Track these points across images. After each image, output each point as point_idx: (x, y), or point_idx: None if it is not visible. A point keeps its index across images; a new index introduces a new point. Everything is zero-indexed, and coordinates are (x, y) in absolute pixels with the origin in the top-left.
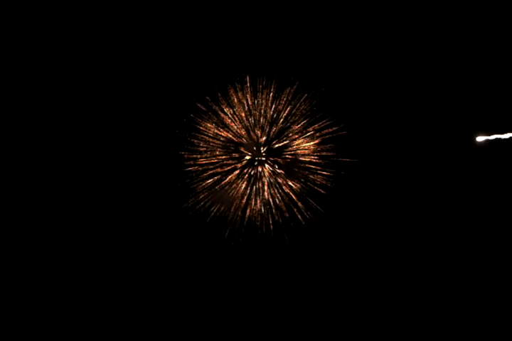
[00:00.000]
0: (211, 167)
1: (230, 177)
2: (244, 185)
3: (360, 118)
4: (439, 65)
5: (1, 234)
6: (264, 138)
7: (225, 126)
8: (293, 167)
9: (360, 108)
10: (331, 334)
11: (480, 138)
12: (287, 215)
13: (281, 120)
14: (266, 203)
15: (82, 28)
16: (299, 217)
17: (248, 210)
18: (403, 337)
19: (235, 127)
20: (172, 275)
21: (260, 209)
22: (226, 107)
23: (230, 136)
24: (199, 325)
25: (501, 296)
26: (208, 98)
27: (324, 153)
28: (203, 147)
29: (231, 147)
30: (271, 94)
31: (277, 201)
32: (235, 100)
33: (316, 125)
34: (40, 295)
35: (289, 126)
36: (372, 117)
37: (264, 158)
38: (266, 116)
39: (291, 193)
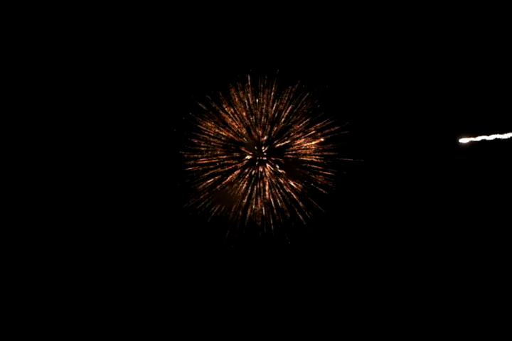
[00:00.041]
0: (212, 167)
1: (230, 177)
2: (245, 185)
3: (361, 118)
4: (434, 66)
5: (2, 234)
6: (265, 138)
7: (226, 126)
8: (294, 167)
9: (361, 107)
10: (333, 334)
11: (464, 140)
12: (288, 215)
13: (283, 119)
14: (267, 203)
15: (82, 28)
16: (300, 217)
17: (249, 210)
18: (403, 337)
19: (236, 126)
20: (172, 275)
21: (261, 210)
22: (227, 106)
23: (231, 135)
24: (200, 325)
25: (495, 295)
26: (208, 97)
27: (326, 153)
28: (203, 147)
29: (232, 147)
30: (272, 93)
31: (278, 201)
32: (236, 99)
33: (318, 124)
34: (41, 295)
35: (291, 125)
36: (374, 117)
37: (265, 158)
38: (267, 115)
39: (292, 193)
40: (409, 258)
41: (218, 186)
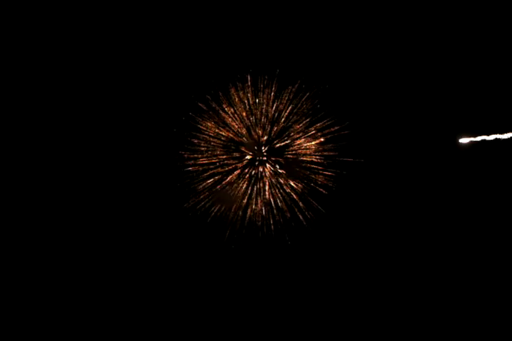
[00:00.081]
0: (212, 167)
1: (230, 177)
2: (245, 185)
3: (361, 118)
4: (434, 66)
5: (1, 234)
6: (265, 138)
7: (226, 126)
8: (294, 167)
9: (361, 107)
10: (333, 334)
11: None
12: (288, 215)
13: (283, 119)
14: (267, 203)
15: (81, 28)
16: (300, 217)
17: (249, 210)
18: (403, 337)
19: (236, 126)
20: (173, 276)
21: (261, 210)
22: (227, 106)
23: (231, 135)
24: (200, 325)
25: (489, 296)
26: (208, 97)
27: (326, 153)
28: (203, 147)
29: (232, 147)
30: (272, 93)
31: (278, 201)
32: (236, 99)
33: (318, 124)
34: (40, 295)
35: (291, 125)
36: (374, 117)
37: (265, 158)
38: (267, 115)
39: (292, 193)
40: (410, 258)
41: (218, 186)
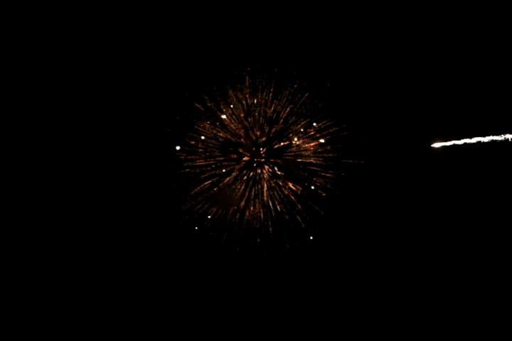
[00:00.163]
0: (208, 168)
1: (228, 179)
2: (242, 187)
3: (361, 119)
4: (436, 65)
5: None
6: (263, 139)
7: (223, 127)
8: (293, 168)
9: (361, 108)
10: (332, 337)
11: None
12: (287, 218)
13: (281, 120)
14: (265, 205)
15: (78, 26)
16: (299, 219)
17: (247, 213)
18: (403, 338)
19: (234, 127)
20: (168, 280)
21: (259, 212)
22: (224, 107)
23: (228, 136)
24: (197, 329)
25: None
26: (205, 97)
27: (325, 155)
28: (200, 148)
29: (229, 148)
30: (270, 94)
31: (277, 203)
32: (234, 99)
33: (317, 125)
34: (34, 299)
35: (289, 126)
36: (374, 117)
37: (263, 160)
38: (265, 115)
39: (291, 195)
40: (409, 260)
41: (215, 188)
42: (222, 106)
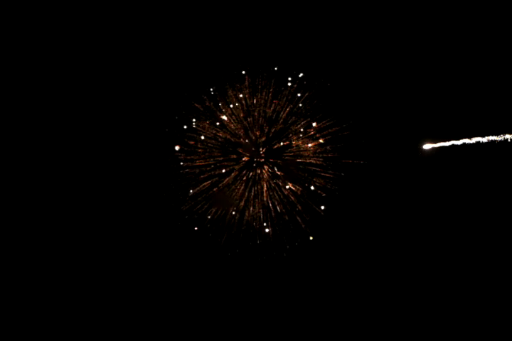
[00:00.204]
0: (208, 169)
1: (227, 179)
2: (242, 188)
3: (361, 119)
4: (438, 65)
5: None
6: (263, 139)
7: (223, 127)
8: (292, 168)
9: (361, 108)
10: (332, 338)
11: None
12: (286, 218)
13: (281, 120)
14: (265, 206)
15: (78, 27)
16: (299, 220)
17: (246, 213)
18: (403, 338)
19: (233, 127)
20: (168, 280)
21: (259, 212)
22: (224, 107)
23: (228, 136)
24: (196, 330)
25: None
26: (205, 97)
27: (325, 155)
28: (199, 148)
29: (229, 148)
30: (270, 94)
31: (276, 204)
32: (234, 99)
33: (317, 125)
34: (33, 299)
35: (289, 126)
36: (374, 117)
37: (263, 160)
38: (265, 115)
39: (290, 196)
40: (409, 260)
41: (215, 188)
42: (221, 106)
